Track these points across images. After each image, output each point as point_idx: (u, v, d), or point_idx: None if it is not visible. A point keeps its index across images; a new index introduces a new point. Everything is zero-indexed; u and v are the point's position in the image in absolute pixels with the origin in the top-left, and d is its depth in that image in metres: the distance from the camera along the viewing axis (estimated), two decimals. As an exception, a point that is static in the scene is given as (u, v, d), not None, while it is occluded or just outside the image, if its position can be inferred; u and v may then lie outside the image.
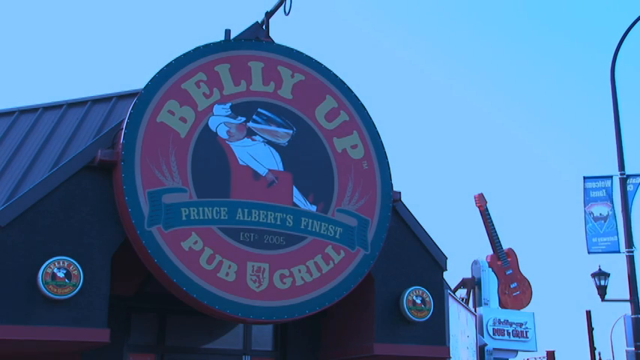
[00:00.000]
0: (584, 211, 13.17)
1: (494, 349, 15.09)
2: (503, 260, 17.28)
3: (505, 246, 17.92)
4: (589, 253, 13.01)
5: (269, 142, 8.07)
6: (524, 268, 18.04)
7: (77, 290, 6.79)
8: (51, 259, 6.76)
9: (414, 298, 8.32)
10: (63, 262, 6.79)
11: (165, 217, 7.23)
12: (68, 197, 7.16)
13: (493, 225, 17.79)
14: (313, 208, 8.06)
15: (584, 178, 13.36)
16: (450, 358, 9.32)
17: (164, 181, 7.33)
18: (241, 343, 9.02)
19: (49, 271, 6.72)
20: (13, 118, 10.46)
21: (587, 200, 13.15)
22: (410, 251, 8.69)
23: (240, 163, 7.85)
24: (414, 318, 8.30)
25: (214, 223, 7.51)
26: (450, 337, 9.42)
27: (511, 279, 17.26)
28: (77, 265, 6.83)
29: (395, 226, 8.54)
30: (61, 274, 6.75)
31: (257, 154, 7.96)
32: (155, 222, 7.16)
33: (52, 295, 6.70)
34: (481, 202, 17.85)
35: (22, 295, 6.68)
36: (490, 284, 16.51)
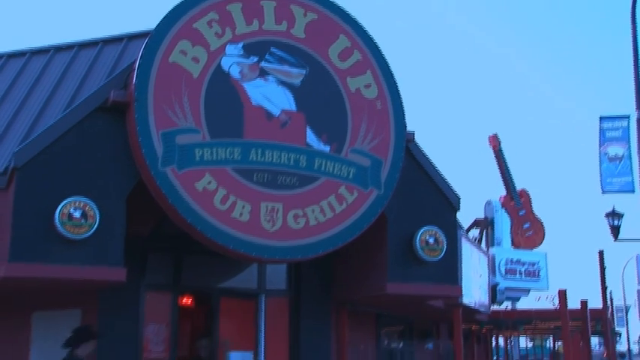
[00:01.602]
0: (600, 151, 13.10)
1: (506, 288, 15.27)
2: (516, 201, 17.30)
3: (519, 187, 17.94)
4: (603, 193, 12.98)
5: (282, 82, 8.01)
6: (538, 209, 18.10)
7: (93, 230, 6.87)
8: (67, 200, 6.82)
9: (427, 237, 8.35)
10: (79, 203, 6.85)
11: (179, 158, 7.24)
12: (82, 138, 7.18)
13: (507, 165, 17.77)
14: (327, 149, 8.05)
15: (601, 118, 13.25)
16: (462, 296, 9.43)
17: (177, 122, 7.32)
18: (256, 282, 9.14)
19: (65, 211, 6.78)
20: (25, 60, 10.43)
21: (603, 140, 13.06)
22: (423, 191, 8.69)
23: (254, 103, 7.81)
24: (426, 257, 8.35)
25: (228, 164, 7.52)
26: (463, 276, 9.50)
27: (524, 219, 17.32)
28: (93, 205, 6.89)
29: (408, 167, 8.53)
30: (77, 215, 6.81)
31: (270, 94, 7.92)
32: (169, 163, 7.18)
33: (69, 235, 6.78)
34: (495, 142, 17.79)
35: (40, 234, 6.76)
36: (503, 224, 16.59)
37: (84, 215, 6.84)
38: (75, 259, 6.84)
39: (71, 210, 6.80)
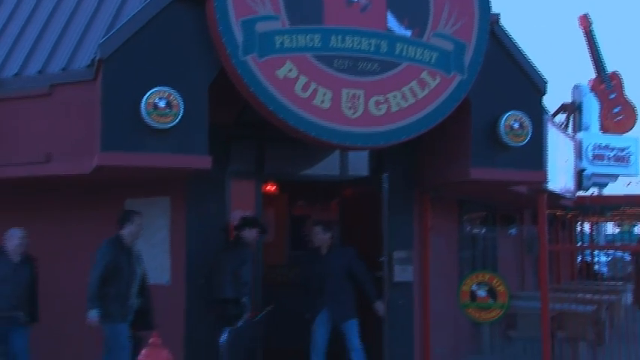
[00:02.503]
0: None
1: (593, 174, 14.91)
2: (606, 84, 16.64)
3: (610, 69, 17.20)
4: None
5: (361, -35, 7.75)
6: (630, 93, 17.36)
7: (178, 119, 7.00)
8: (152, 90, 6.93)
9: (512, 122, 8.16)
10: (163, 93, 6.97)
11: (260, 46, 7.21)
12: (164, 29, 7.21)
13: (598, 47, 17.02)
14: (408, 33, 7.85)
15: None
16: (547, 182, 9.29)
17: (257, 9, 7.25)
18: (338, 169, 9.23)
19: (150, 101, 6.91)
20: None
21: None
22: (508, 75, 8.43)
23: (333, -13, 7.62)
24: (511, 143, 8.19)
25: (308, 51, 7.45)
26: (548, 162, 9.31)
27: (614, 103, 16.69)
28: (177, 94, 6.99)
29: (492, 50, 8.25)
30: (162, 104, 6.94)
31: (349, -22, 7.69)
32: (249, 51, 7.17)
33: (155, 125, 6.94)
34: (586, 23, 17.00)
35: (128, 124, 6.95)
36: (591, 109, 16.03)
37: (169, 105, 6.96)
38: (161, 148, 7.03)
39: (156, 100, 6.93)
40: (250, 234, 8.07)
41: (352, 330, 8.06)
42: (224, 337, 7.67)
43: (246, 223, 8.11)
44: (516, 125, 8.19)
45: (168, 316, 7.93)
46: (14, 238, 7.70)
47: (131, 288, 7.36)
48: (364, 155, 9.31)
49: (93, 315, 7.05)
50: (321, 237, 8.24)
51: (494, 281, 9.00)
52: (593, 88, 16.59)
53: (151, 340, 4.54)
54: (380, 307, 8.31)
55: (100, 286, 7.11)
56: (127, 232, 7.47)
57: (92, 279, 7.13)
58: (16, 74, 8.24)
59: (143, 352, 4.53)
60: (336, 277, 8.09)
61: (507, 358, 10.20)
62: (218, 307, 7.90)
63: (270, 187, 11.04)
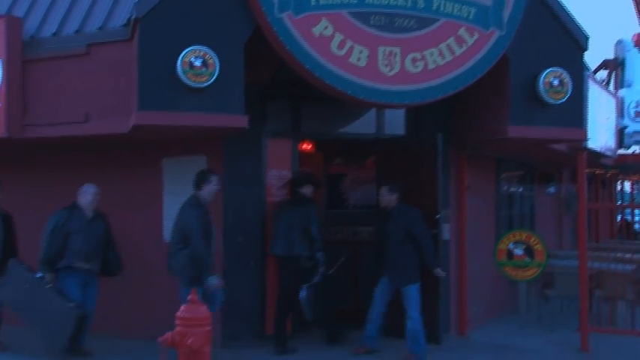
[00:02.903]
0: None
1: (634, 131, 14.62)
2: (651, 38, 16.21)
3: (654, 24, 16.74)
4: None
5: None
6: (675, 47, 16.89)
7: (214, 78, 7.00)
8: (188, 49, 6.93)
9: (552, 79, 8.01)
10: (199, 52, 6.96)
11: (295, 3, 7.15)
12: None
13: (642, 1, 16.56)
14: (445, -12, 7.70)
15: None
16: (586, 140, 9.14)
17: (292, -34, 7.16)
18: (374, 128, 9.18)
19: (186, 60, 6.92)
20: None
21: None
22: (548, 31, 8.25)
23: (368, -58, 7.49)
24: (550, 100, 8.05)
25: (344, 8, 7.36)
26: (588, 119, 9.15)
27: (658, 59, 16.24)
28: (213, 53, 6.99)
29: (532, 5, 8.06)
30: (198, 63, 6.94)
31: None
32: (285, 8, 7.11)
33: (191, 84, 6.96)
34: (630, -25, 16.52)
35: (165, 83, 6.97)
36: (635, 65, 15.64)
37: (204, 64, 6.96)
38: (198, 107, 7.06)
39: (192, 59, 6.93)
40: (308, 190, 8.20)
41: (409, 296, 7.82)
42: (302, 293, 7.95)
43: (304, 179, 8.22)
44: (556, 82, 8.04)
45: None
46: (87, 194, 7.79)
47: (212, 247, 7.45)
48: (400, 113, 9.24)
49: (214, 281, 7.21)
50: (388, 198, 8.10)
51: (532, 240, 8.95)
52: (637, 44, 16.15)
53: (189, 297, 4.61)
54: (440, 273, 8.11)
55: (205, 250, 7.19)
56: (206, 191, 7.50)
57: (199, 247, 7.13)
58: (54, 34, 8.30)
59: (182, 308, 4.60)
60: (395, 239, 7.88)
61: (544, 316, 10.17)
62: (290, 264, 8.11)
63: (307, 146, 11.04)
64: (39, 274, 7.43)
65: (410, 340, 7.76)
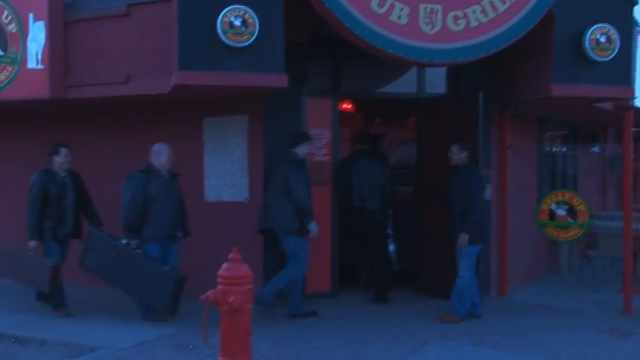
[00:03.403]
0: None
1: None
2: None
3: None
4: None
5: None
6: None
7: (254, 38, 6.98)
8: (227, 8, 6.91)
9: (598, 36, 7.80)
10: (239, 11, 6.93)
11: (335, -40, 7.05)
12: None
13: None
14: (489, -57, 7.52)
15: None
16: (634, 98, 8.94)
17: None
18: (415, 87, 9.08)
19: (226, 19, 6.90)
20: None
21: None
22: (595, -15, 8.02)
23: None
24: (596, 57, 7.85)
25: (384, -36, 7.24)
26: (636, 77, 8.93)
27: None
28: (252, 13, 6.95)
29: (579, -41, 7.84)
30: (237, 22, 6.92)
31: None
32: (325, -35, 7.02)
33: (231, 43, 6.95)
34: None
35: (205, 43, 6.97)
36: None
37: (244, 23, 6.94)
38: (238, 67, 7.05)
39: (232, 18, 6.91)
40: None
41: (463, 255, 7.67)
42: (390, 245, 8.66)
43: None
44: (603, 39, 7.83)
45: (247, 232, 8.12)
46: (162, 155, 7.62)
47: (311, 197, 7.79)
48: (442, 72, 9.11)
49: (314, 227, 7.61)
50: (457, 156, 7.92)
51: (575, 200, 8.83)
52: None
53: (230, 256, 4.66)
54: (462, 237, 7.64)
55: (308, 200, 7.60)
56: (301, 151, 7.76)
57: (304, 198, 7.54)
58: (95, -5, 8.34)
59: (223, 266, 4.65)
60: (458, 197, 7.74)
61: (586, 277, 10.09)
62: (365, 218, 8.51)
63: (347, 106, 10.99)
64: (124, 241, 7.39)
65: (455, 298, 7.73)
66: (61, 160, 7.75)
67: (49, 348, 6.69)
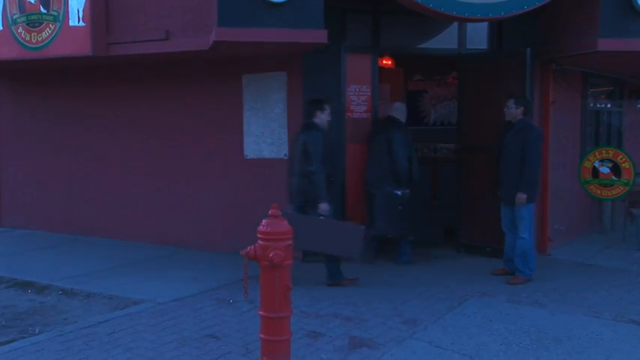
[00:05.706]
0: None
1: None
2: None
3: None
4: None
5: None
6: None
7: (293, -7, 6.92)
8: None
9: (648, -13, 7.56)
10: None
11: None
12: None
13: None
14: None
15: None
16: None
17: None
18: (456, 42, 8.94)
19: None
20: None
21: None
22: None
23: None
24: (645, 10, 7.62)
25: None
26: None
27: None
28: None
29: None
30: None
31: None
32: None
33: (270, -1, 6.91)
34: None
35: (244, 0, 6.95)
36: None
37: (283, -22, 6.88)
38: (277, 23, 7.01)
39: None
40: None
41: (520, 217, 7.49)
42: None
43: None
44: (652, -10, 7.59)
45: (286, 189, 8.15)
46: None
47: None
48: (483, 27, 8.95)
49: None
50: (513, 111, 7.60)
51: (619, 157, 8.68)
52: None
53: (270, 212, 4.69)
54: (521, 197, 7.41)
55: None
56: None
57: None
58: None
59: (263, 222, 4.68)
60: (511, 154, 7.45)
61: (629, 236, 9.95)
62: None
63: (386, 62, 10.88)
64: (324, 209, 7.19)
65: (518, 260, 7.61)
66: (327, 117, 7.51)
67: (95, 300, 6.86)
